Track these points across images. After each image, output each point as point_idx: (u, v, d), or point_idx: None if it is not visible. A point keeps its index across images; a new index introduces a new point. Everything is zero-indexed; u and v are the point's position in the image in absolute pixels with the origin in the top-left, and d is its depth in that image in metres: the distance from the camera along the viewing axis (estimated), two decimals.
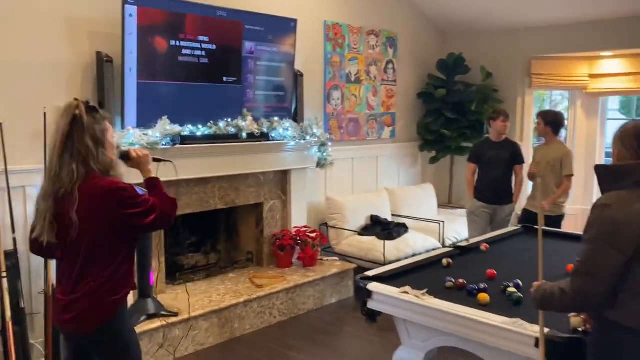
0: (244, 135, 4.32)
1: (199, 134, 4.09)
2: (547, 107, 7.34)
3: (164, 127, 3.82)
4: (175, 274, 4.51)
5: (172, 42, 3.92)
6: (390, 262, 3.60)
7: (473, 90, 6.30)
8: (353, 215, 5.38)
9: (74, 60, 3.71)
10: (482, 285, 2.68)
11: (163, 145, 3.78)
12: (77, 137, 2.04)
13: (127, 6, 3.62)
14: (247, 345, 3.92)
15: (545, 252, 3.46)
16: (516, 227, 4.21)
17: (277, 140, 4.59)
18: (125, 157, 2.29)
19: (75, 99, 2.11)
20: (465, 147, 6.09)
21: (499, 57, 6.34)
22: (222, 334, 3.97)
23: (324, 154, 5.02)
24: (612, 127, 6.46)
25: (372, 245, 5.06)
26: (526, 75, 6.31)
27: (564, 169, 4.54)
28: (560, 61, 6.23)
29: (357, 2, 5.71)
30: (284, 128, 4.63)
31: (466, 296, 2.63)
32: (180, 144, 3.92)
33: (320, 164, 5.04)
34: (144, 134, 3.71)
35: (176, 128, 3.89)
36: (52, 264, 3.44)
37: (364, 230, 5.37)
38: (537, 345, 2.09)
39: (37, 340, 3.55)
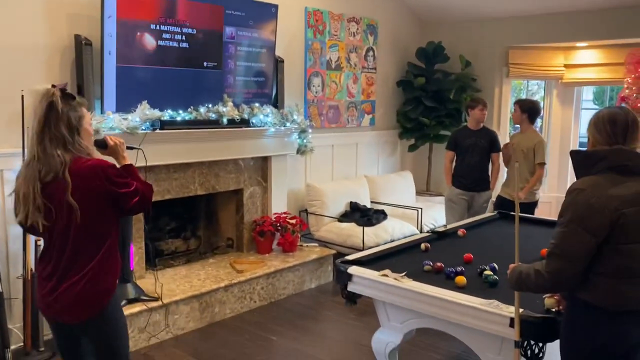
0: (225, 121, 4.31)
1: (179, 119, 4.07)
2: (523, 97, 7.49)
3: (144, 111, 3.79)
4: (155, 259, 4.50)
5: (152, 26, 3.88)
6: (369, 248, 3.65)
7: (452, 79, 6.37)
8: (332, 201, 5.43)
9: (52, 43, 3.65)
10: (459, 269, 2.75)
11: (142, 130, 3.76)
12: (53, 124, 2.04)
13: None
14: (228, 330, 3.96)
15: (520, 237, 3.56)
16: (492, 214, 4.30)
17: (257, 127, 4.60)
18: (103, 144, 2.29)
19: (53, 85, 2.12)
20: (444, 135, 6.17)
21: (477, 46, 6.42)
22: (202, 319, 4.00)
23: (304, 141, 5.04)
24: (587, 116, 6.61)
25: (352, 231, 5.12)
26: (504, 64, 6.41)
27: (536, 157, 4.64)
28: (537, 51, 6.33)
29: None
30: (265, 114, 4.64)
31: (444, 279, 2.70)
32: (160, 129, 3.90)
33: (301, 151, 5.07)
34: (123, 119, 3.68)
35: (156, 113, 3.87)
36: (31, 248, 3.42)
37: (343, 217, 5.42)
38: (512, 325, 2.17)
39: (15, 325, 3.52)
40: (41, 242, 3.39)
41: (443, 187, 5.90)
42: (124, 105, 3.77)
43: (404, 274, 2.65)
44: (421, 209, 5.58)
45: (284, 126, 4.79)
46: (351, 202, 5.59)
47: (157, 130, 3.87)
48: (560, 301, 2.19)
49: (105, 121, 3.60)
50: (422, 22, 6.82)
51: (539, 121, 6.85)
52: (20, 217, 2.10)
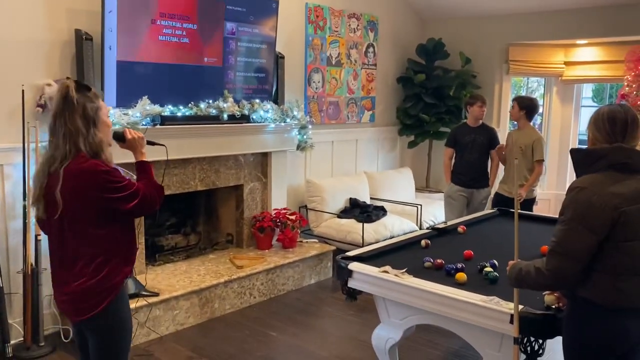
0: (225, 116, 4.31)
1: (179, 114, 4.07)
2: (523, 94, 7.49)
3: (144, 107, 3.79)
4: (155, 255, 4.51)
5: (153, 21, 3.87)
6: (369, 244, 3.66)
7: (452, 76, 6.36)
8: (332, 197, 5.43)
9: (52, 38, 3.64)
10: (459, 265, 2.75)
11: (143, 125, 3.75)
12: (68, 117, 2.01)
13: None
14: (228, 325, 3.96)
15: (519, 233, 3.56)
16: (492, 210, 4.31)
17: (257, 122, 4.60)
18: (121, 137, 2.23)
19: (67, 78, 2.09)
20: (444, 131, 6.18)
21: (477, 43, 6.42)
22: (202, 314, 4.00)
23: (304, 137, 5.04)
24: (586, 114, 6.62)
25: (351, 227, 5.12)
26: (504, 61, 6.40)
27: (535, 154, 4.64)
28: (537, 48, 6.33)
29: None
30: (265, 110, 4.63)
31: (444, 275, 2.70)
32: (161, 124, 3.89)
33: (301, 147, 5.06)
34: (124, 114, 3.67)
35: (156, 108, 3.87)
36: (31, 243, 3.42)
37: (343, 213, 5.43)
38: (512, 321, 2.17)
39: (15, 320, 3.53)
40: (41, 237, 3.41)
41: (442, 184, 5.90)
42: (125, 100, 3.77)
43: (404, 270, 2.66)
44: (421, 205, 5.59)
45: (284, 122, 4.79)
46: (351, 199, 5.60)
47: (158, 126, 3.86)
48: (560, 298, 2.19)
49: None
50: (422, 19, 6.81)
51: (538, 118, 6.86)
52: (35, 213, 2.14)
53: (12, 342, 3.44)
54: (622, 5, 5.46)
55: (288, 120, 4.82)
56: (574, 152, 2.04)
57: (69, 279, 2.08)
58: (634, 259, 1.88)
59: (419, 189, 6.57)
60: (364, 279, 2.73)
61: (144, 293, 3.71)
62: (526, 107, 4.71)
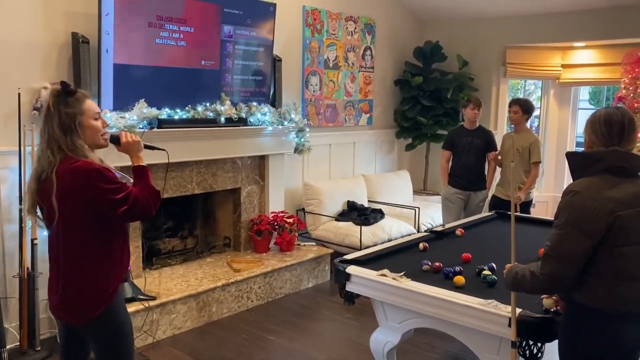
0: (222, 119, 4.30)
1: (176, 117, 4.06)
2: (520, 96, 7.48)
3: (141, 110, 3.78)
4: (152, 258, 4.49)
5: (150, 24, 3.86)
6: (367, 247, 3.65)
7: (449, 79, 6.37)
8: (330, 200, 5.42)
9: (48, 41, 3.63)
10: (457, 268, 2.75)
11: (140, 128, 3.75)
12: (49, 124, 2.03)
13: None
14: (225, 329, 3.95)
15: (516, 236, 3.56)
16: (490, 213, 4.31)
17: (255, 125, 4.59)
18: (116, 141, 2.18)
19: (61, 82, 2.08)
20: (441, 134, 6.18)
21: (475, 45, 6.42)
22: (199, 318, 3.99)
23: (302, 140, 5.04)
24: (583, 116, 6.63)
25: (349, 230, 5.12)
26: (501, 64, 6.41)
27: (532, 156, 4.65)
28: (534, 51, 6.34)
29: None
30: (262, 113, 4.63)
31: (442, 279, 2.70)
32: (158, 127, 3.88)
33: (298, 150, 5.06)
34: (120, 117, 3.66)
35: (153, 111, 3.86)
36: (28, 247, 3.41)
37: (341, 216, 5.42)
38: (510, 325, 2.16)
39: (11, 324, 3.51)
40: (37, 241, 3.40)
41: (440, 187, 5.90)
42: (122, 103, 3.76)
43: (402, 273, 2.65)
44: (418, 208, 5.59)
45: (282, 125, 4.78)
46: (348, 201, 5.59)
47: (155, 129, 3.85)
48: (558, 301, 2.19)
49: None
50: (419, 22, 6.82)
51: (535, 121, 6.88)
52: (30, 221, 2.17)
53: (8, 346, 3.42)
54: (619, 7, 5.47)
55: (285, 123, 4.81)
56: (570, 156, 2.03)
57: (65, 283, 2.07)
58: (629, 263, 1.87)
59: (416, 192, 6.57)
60: (362, 282, 2.72)
61: (141, 297, 3.69)
62: (528, 110, 4.73)
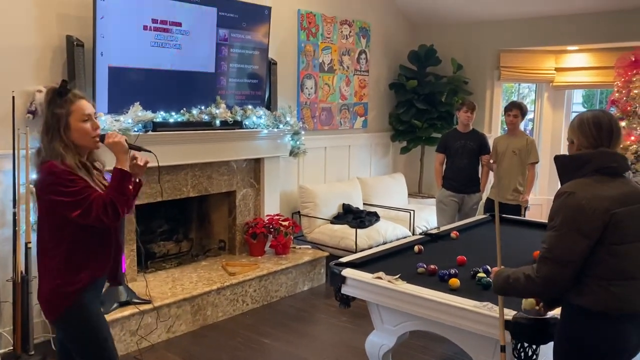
0: (217, 122, 4.30)
1: (171, 120, 4.06)
2: (515, 99, 7.51)
3: (136, 113, 3.77)
4: (147, 261, 4.47)
5: (145, 27, 3.86)
6: (362, 250, 3.65)
7: (444, 82, 6.39)
8: (325, 203, 5.42)
9: (43, 44, 3.62)
10: (452, 271, 2.76)
11: (135, 131, 3.74)
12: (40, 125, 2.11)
13: None
14: (220, 333, 3.94)
15: (512, 239, 3.58)
16: (484, 216, 4.32)
17: (250, 128, 4.59)
18: (102, 140, 2.15)
19: (47, 87, 2.11)
20: (436, 137, 6.19)
21: (469, 49, 6.45)
22: (194, 322, 3.97)
23: (297, 143, 5.04)
24: None
25: (344, 233, 5.12)
26: (495, 67, 6.44)
27: (530, 156, 4.69)
28: (528, 54, 6.37)
29: None
30: (258, 116, 4.63)
31: (437, 281, 2.70)
32: (153, 130, 3.88)
33: (293, 153, 5.06)
34: (115, 120, 3.65)
35: (148, 114, 3.86)
36: (21, 251, 3.39)
37: (336, 219, 5.42)
38: (506, 327, 2.17)
39: (5, 328, 3.49)
40: (31, 245, 3.38)
41: (435, 190, 5.90)
42: (116, 106, 3.75)
43: (397, 276, 2.65)
44: (413, 211, 5.60)
45: (277, 128, 4.78)
46: (344, 204, 5.59)
47: (150, 132, 3.85)
48: (539, 300, 2.18)
49: None
50: (414, 25, 6.84)
51: (529, 124, 6.92)
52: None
53: (2, 351, 3.40)
54: (613, 12, 5.51)
55: (281, 126, 4.81)
56: (559, 159, 2.04)
57: (39, 279, 2.16)
58: (626, 262, 1.87)
59: (411, 195, 6.58)
60: (358, 285, 2.72)
61: (135, 300, 3.68)
62: (526, 113, 4.81)
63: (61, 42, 3.67)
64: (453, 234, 3.60)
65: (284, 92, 5.20)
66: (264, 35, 4.69)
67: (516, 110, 4.78)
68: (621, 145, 2.05)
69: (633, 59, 5.47)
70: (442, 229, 3.81)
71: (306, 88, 5.53)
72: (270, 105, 4.88)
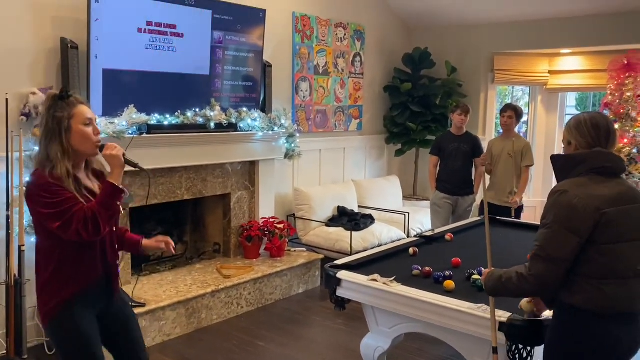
0: (212, 125, 4.29)
1: (166, 123, 4.05)
2: (508, 102, 7.55)
3: (131, 115, 3.76)
4: (141, 264, 4.46)
5: (140, 30, 3.85)
6: (357, 253, 3.65)
7: (438, 85, 6.41)
8: (320, 206, 5.42)
9: (37, 46, 3.61)
10: (447, 273, 2.76)
11: (129, 134, 3.73)
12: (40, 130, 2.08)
13: None
14: (215, 335, 3.93)
15: (506, 241, 3.59)
16: (479, 218, 4.33)
17: (245, 131, 4.59)
18: (101, 150, 2.11)
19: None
20: (430, 140, 6.19)
21: (463, 52, 6.48)
22: (189, 325, 3.96)
23: (292, 145, 5.04)
24: None
25: (339, 236, 5.12)
26: (489, 70, 6.47)
27: (525, 159, 4.70)
28: (522, 57, 6.41)
29: None
30: (252, 119, 4.63)
31: (432, 283, 2.71)
32: (147, 133, 3.87)
33: (288, 155, 5.06)
34: (110, 123, 3.64)
35: (143, 117, 3.84)
36: (15, 254, 3.37)
37: (331, 221, 5.42)
38: (501, 329, 2.17)
39: None
40: (25, 248, 3.37)
41: (429, 192, 5.93)
42: (111, 109, 3.74)
43: (392, 278, 2.65)
44: (408, 213, 5.61)
45: (272, 131, 4.78)
46: (339, 207, 5.59)
47: (144, 135, 3.84)
48: (537, 304, 2.19)
49: None
50: (408, 28, 6.86)
51: (523, 126, 6.94)
52: None
53: None
54: (606, 15, 5.55)
55: (276, 128, 4.81)
56: (555, 159, 2.07)
57: (35, 283, 2.15)
58: (617, 261, 1.88)
59: (406, 197, 6.59)
60: (353, 288, 2.72)
61: (130, 304, 3.65)
62: (520, 115, 4.82)
63: (55, 44, 3.66)
64: (448, 236, 3.61)
65: (279, 95, 5.20)
66: (258, 38, 4.70)
67: (510, 111, 4.80)
68: (615, 148, 2.07)
69: (626, 62, 5.52)
70: (437, 231, 3.82)
71: (301, 91, 5.53)
72: (265, 107, 4.89)
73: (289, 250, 5.06)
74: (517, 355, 2.19)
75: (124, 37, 3.78)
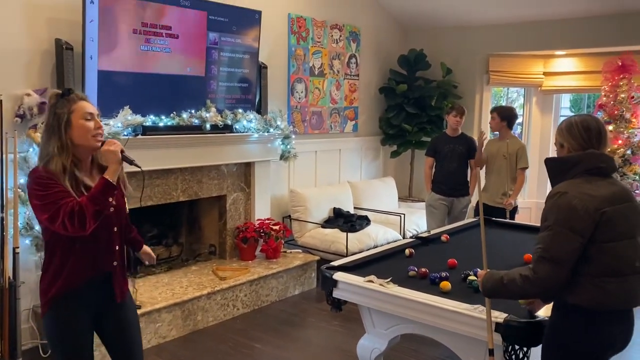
0: (208, 126, 4.28)
1: (161, 124, 4.03)
2: (503, 104, 7.59)
3: (126, 117, 3.75)
4: (136, 267, 4.44)
5: (135, 31, 3.84)
6: (353, 254, 3.65)
7: (433, 86, 6.43)
8: (316, 207, 5.42)
9: (32, 47, 3.60)
10: (443, 274, 2.76)
11: (124, 135, 3.72)
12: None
13: None
14: (211, 337, 3.92)
15: (502, 242, 3.60)
16: (474, 219, 4.34)
17: (240, 132, 4.58)
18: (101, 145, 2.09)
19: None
20: (426, 141, 6.21)
21: (458, 54, 6.49)
22: (185, 327, 3.95)
23: (288, 147, 5.04)
24: None
25: (335, 237, 5.12)
26: (484, 72, 6.49)
27: (519, 161, 4.71)
28: (517, 59, 6.43)
29: None
30: (248, 120, 4.62)
31: (429, 284, 2.71)
32: (143, 134, 3.86)
33: (284, 157, 5.06)
34: (105, 124, 3.61)
35: (138, 118, 3.83)
36: (9, 256, 3.35)
37: (327, 223, 5.42)
38: (497, 330, 2.18)
39: None
40: (19, 250, 3.34)
41: (425, 193, 5.93)
42: (106, 110, 3.68)
43: (389, 279, 2.65)
44: (404, 214, 5.61)
45: (267, 132, 4.78)
46: (334, 208, 5.59)
47: (139, 136, 3.83)
48: (530, 302, 2.23)
49: None
50: (404, 30, 6.88)
51: (518, 128, 6.96)
52: None
53: None
54: (600, 17, 5.58)
55: (271, 130, 4.81)
56: (549, 161, 2.09)
57: None
58: (617, 259, 1.91)
59: (402, 198, 6.60)
60: (349, 289, 2.73)
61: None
62: (506, 117, 4.78)
63: (50, 45, 3.64)
64: (444, 237, 3.61)
65: (275, 96, 5.19)
66: (254, 39, 4.69)
67: (494, 113, 4.83)
68: (609, 149, 2.11)
69: (620, 64, 5.55)
70: (433, 232, 3.82)
71: (296, 92, 5.53)
72: (260, 109, 4.88)
73: (285, 252, 5.05)
74: (513, 356, 2.20)
75: (119, 38, 3.76)
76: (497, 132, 4.90)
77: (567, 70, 6.35)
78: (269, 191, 5.11)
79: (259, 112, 4.83)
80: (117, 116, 3.71)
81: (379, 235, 5.27)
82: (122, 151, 2.07)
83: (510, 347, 2.19)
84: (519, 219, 4.99)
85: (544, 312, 2.28)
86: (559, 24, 5.83)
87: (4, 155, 3.33)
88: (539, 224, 2.03)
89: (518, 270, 2.00)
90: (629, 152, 5.49)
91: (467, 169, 5.07)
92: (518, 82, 6.61)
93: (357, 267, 2.93)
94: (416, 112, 6.31)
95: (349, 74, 6.15)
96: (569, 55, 6.27)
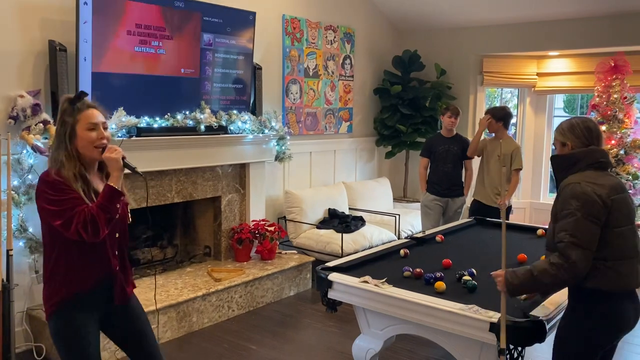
0: (202, 128, 4.28)
1: (155, 126, 4.03)
2: (497, 104, 7.61)
3: (120, 118, 3.74)
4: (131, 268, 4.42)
5: (129, 32, 3.84)
6: (348, 255, 3.66)
7: (427, 87, 6.44)
8: (311, 208, 5.42)
9: (25, 49, 3.58)
10: (438, 274, 2.77)
11: (119, 137, 3.71)
12: None
13: None
14: (206, 339, 3.91)
15: (495, 242, 3.61)
16: (469, 219, 4.35)
17: (235, 133, 4.58)
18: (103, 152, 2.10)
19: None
20: (420, 142, 6.22)
21: (452, 54, 6.51)
22: (180, 328, 3.94)
23: (283, 148, 5.04)
24: (559, 124, 6.73)
25: (330, 238, 5.12)
26: (478, 72, 6.51)
27: (514, 163, 4.71)
28: (511, 60, 6.46)
29: None
30: (243, 121, 4.62)
31: (423, 284, 2.72)
32: (137, 136, 3.85)
33: (279, 158, 5.06)
34: None
35: (132, 120, 3.83)
36: (3, 258, 3.33)
37: (322, 224, 5.43)
38: (491, 329, 2.19)
39: None
40: (12, 252, 3.33)
41: (420, 194, 5.95)
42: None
43: (384, 280, 2.66)
44: (399, 215, 5.62)
45: (262, 133, 4.78)
46: (329, 209, 5.60)
47: (134, 138, 3.82)
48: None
49: None
50: (398, 31, 6.89)
51: (512, 128, 6.98)
52: None
53: None
54: (593, 18, 5.61)
55: (266, 131, 4.81)
56: (556, 158, 2.24)
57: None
58: (625, 243, 2.07)
59: (396, 199, 6.61)
60: (344, 290, 2.73)
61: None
62: (501, 117, 4.78)
63: (44, 46, 3.63)
64: (438, 238, 3.62)
65: (269, 97, 5.19)
66: (248, 40, 4.69)
67: (487, 116, 4.81)
68: (603, 147, 2.24)
69: (612, 65, 5.58)
70: (428, 232, 3.83)
71: (291, 93, 5.53)
72: (255, 110, 4.88)
73: (280, 253, 5.05)
74: (508, 356, 2.21)
75: (113, 40, 3.75)
76: (494, 133, 4.90)
77: (560, 71, 6.38)
78: (264, 192, 5.11)
79: (253, 113, 4.83)
80: (111, 118, 3.70)
81: (374, 236, 5.28)
82: (123, 158, 2.10)
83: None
84: (513, 219, 5.01)
85: (539, 311, 2.29)
86: (552, 25, 5.86)
87: None
88: (534, 224, 2.09)
89: (543, 262, 2.10)
90: (622, 152, 5.52)
91: (462, 169, 5.09)
92: (512, 83, 6.64)
93: (352, 268, 2.94)
94: (410, 113, 6.32)
95: (344, 75, 6.16)
96: (562, 56, 6.30)
